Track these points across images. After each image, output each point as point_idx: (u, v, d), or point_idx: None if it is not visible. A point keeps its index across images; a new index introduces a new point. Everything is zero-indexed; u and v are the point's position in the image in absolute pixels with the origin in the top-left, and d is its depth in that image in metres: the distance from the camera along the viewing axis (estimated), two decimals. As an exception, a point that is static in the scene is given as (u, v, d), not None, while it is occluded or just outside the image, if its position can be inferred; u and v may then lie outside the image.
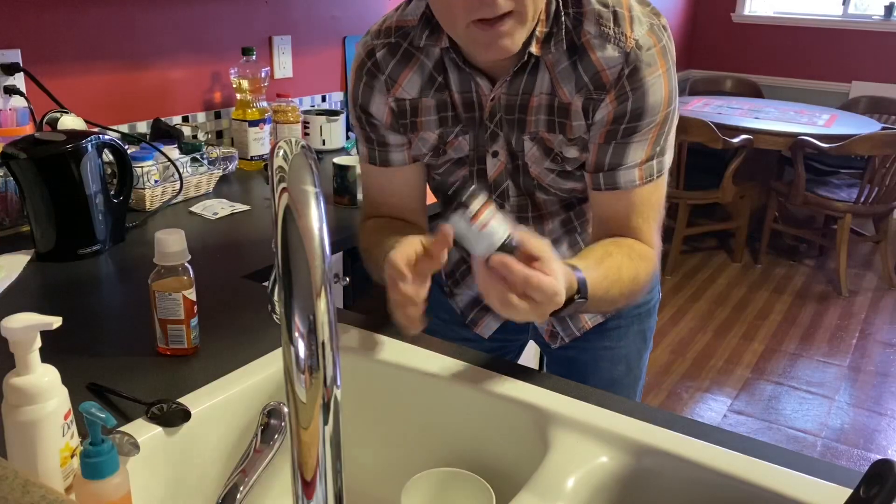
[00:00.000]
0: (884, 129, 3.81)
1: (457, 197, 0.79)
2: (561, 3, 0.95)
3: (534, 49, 0.95)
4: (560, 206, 1.12)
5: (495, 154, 1.05)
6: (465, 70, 1.00)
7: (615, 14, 0.94)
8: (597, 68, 0.95)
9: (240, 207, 1.70)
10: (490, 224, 0.79)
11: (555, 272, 0.79)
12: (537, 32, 0.94)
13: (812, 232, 4.37)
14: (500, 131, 1.03)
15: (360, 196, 1.73)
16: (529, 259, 0.80)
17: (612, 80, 0.95)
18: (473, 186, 0.79)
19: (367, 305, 1.65)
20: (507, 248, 0.80)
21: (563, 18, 0.94)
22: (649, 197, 1.01)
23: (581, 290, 0.88)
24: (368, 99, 1.06)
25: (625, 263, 0.96)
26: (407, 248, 0.87)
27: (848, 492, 0.66)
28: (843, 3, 4.93)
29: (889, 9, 4.72)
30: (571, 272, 0.87)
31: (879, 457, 0.82)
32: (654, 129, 0.97)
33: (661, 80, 0.94)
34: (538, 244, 0.81)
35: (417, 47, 1.02)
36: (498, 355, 1.05)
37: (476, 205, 0.79)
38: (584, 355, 1.25)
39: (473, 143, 1.06)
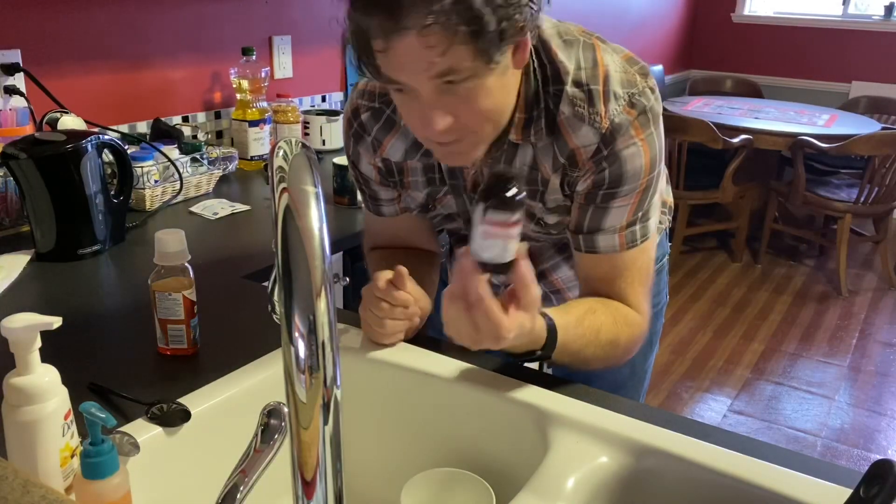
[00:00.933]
0: (884, 129, 3.81)
1: (496, 188, 0.74)
2: (541, 84, 0.92)
3: (513, 137, 0.93)
4: (554, 246, 1.13)
5: None
6: None
7: (589, 93, 0.90)
8: (571, 149, 0.93)
9: (240, 207, 1.70)
10: (513, 240, 0.76)
11: (515, 318, 0.79)
12: (516, 119, 0.92)
13: (812, 232, 4.37)
14: None
15: (360, 198, 1.73)
16: (512, 297, 0.80)
17: (586, 158, 0.93)
18: (519, 191, 0.74)
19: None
20: (506, 267, 0.78)
21: (542, 101, 0.92)
22: (633, 262, 0.99)
23: (546, 347, 0.89)
24: (358, 158, 1.08)
25: (606, 325, 0.95)
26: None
27: (848, 492, 0.66)
28: (843, 3, 4.92)
29: (889, 9, 4.72)
30: (542, 327, 0.87)
31: (879, 457, 0.82)
32: (636, 195, 0.95)
33: (639, 150, 0.92)
34: (529, 292, 0.80)
35: (399, 120, 1.02)
36: (504, 354, 1.06)
37: (515, 216, 0.74)
38: None
39: (461, 206, 1.07)
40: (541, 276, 1.17)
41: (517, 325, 0.80)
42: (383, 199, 1.11)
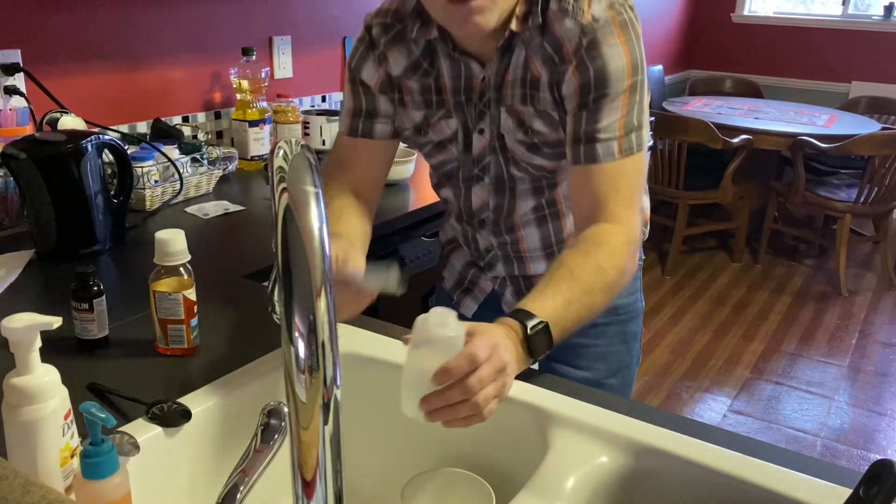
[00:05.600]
0: (883, 129, 3.81)
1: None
2: None
3: (514, 26, 1.01)
4: (531, 187, 1.14)
5: (481, 131, 1.11)
6: (455, 57, 1.07)
7: None
8: (559, 41, 1.00)
9: (233, 208, 1.70)
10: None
11: (473, 348, 0.79)
12: (517, 12, 1.00)
13: (812, 232, 4.37)
14: (487, 110, 1.09)
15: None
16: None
17: (571, 51, 1.00)
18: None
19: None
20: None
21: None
22: (627, 171, 1.02)
23: (524, 321, 0.88)
24: (361, 66, 1.13)
25: (578, 263, 0.96)
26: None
27: (848, 492, 0.66)
28: (843, 3, 4.93)
29: (889, 9, 4.72)
30: (501, 319, 0.88)
31: (879, 457, 0.82)
32: (622, 96, 1.00)
33: (620, 50, 0.99)
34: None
35: (408, 35, 1.09)
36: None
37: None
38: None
39: (463, 123, 1.12)
40: (510, 230, 1.18)
41: (483, 347, 0.79)
42: (381, 114, 1.14)
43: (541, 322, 0.89)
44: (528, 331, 0.88)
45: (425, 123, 1.14)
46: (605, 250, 0.98)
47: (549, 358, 1.14)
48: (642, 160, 1.04)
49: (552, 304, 0.91)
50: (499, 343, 0.82)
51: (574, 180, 1.06)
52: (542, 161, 1.09)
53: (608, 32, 0.98)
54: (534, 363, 0.91)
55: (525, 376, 0.96)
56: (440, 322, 0.77)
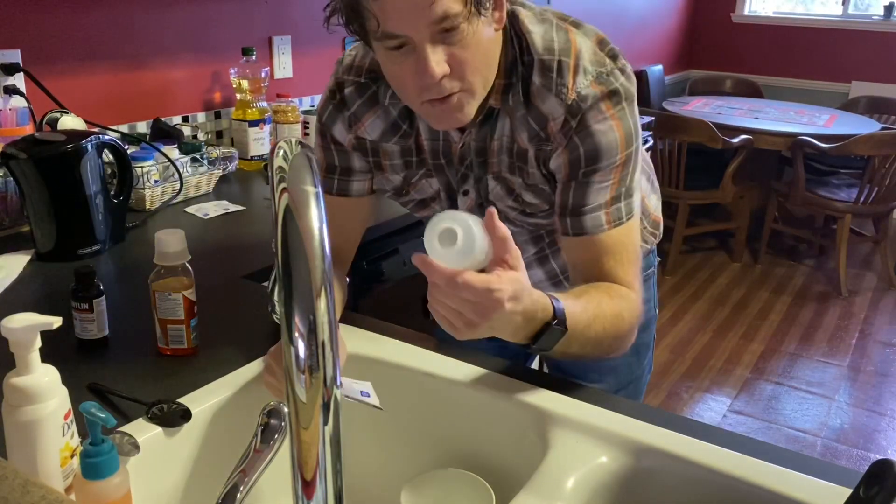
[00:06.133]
0: (883, 129, 3.81)
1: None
2: (518, 52, 0.95)
3: (493, 101, 0.96)
4: (529, 237, 1.12)
5: (466, 192, 1.06)
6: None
7: (559, 64, 0.93)
8: (545, 119, 0.95)
9: (233, 208, 1.70)
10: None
11: (504, 275, 0.75)
12: (496, 84, 0.95)
13: (812, 232, 4.37)
14: (470, 172, 1.04)
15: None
16: (496, 262, 0.77)
17: (556, 131, 0.94)
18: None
19: (367, 305, 1.65)
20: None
21: (519, 69, 0.95)
22: (621, 240, 0.98)
23: (557, 315, 0.84)
24: (332, 123, 1.06)
25: (605, 300, 0.93)
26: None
27: (848, 492, 0.66)
28: (843, 3, 4.93)
29: (889, 9, 4.72)
30: (544, 295, 0.84)
31: (879, 457, 0.82)
32: (614, 170, 0.95)
33: (611, 125, 0.93)
34: (511, 246, 0.77)
35: (381, 99, 1.02)
36: (500, 349, 1.04)
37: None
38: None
39: (445, 184, 1.07)
40: None
41: (509, 281, 0.76)
42: (357, 171, 1.08)
43: (563, 328, 0.86)
44: (552, 321, 0.84)
45: (406, 184, 1.09)
46: (627, 304, 0.96)
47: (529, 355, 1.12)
48: (632, 226, 1.00)
49: (578, 315, 0.88)
50: (524, 295, 0.79)
51: (568, 249, 1.02)
52: (538, 220, 1.06)
53: (596, 111, 0.93)
54: (525, 348, 0.87)
55: (526, 377, 0.96)
56: (448, 239, 0.74)
